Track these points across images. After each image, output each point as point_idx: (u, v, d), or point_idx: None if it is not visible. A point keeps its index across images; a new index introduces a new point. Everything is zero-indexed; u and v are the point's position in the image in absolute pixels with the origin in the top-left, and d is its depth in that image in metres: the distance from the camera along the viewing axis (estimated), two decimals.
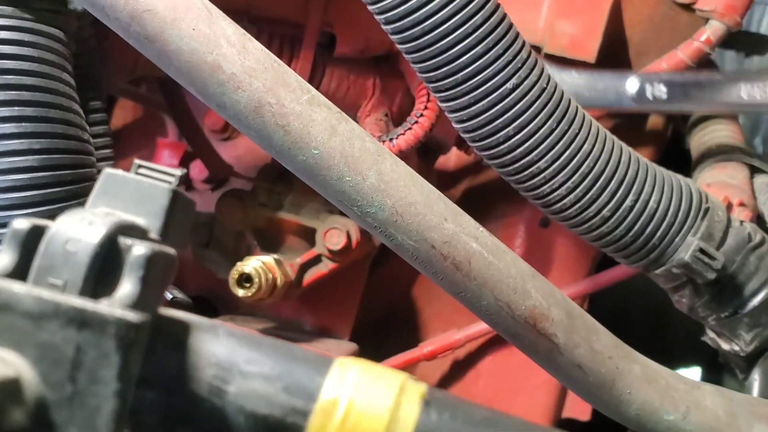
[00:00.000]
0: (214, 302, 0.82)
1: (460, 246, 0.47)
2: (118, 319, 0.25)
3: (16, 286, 0.26)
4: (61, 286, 0.27)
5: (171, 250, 0.28)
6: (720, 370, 0.99)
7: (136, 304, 0.26)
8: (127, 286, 0.26)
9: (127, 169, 0.31)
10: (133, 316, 0.26)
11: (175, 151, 0.82)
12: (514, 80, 0.55)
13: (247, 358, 0.28)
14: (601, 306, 0.74)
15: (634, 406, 0.51)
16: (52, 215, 0.33)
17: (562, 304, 0.49)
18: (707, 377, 0.63)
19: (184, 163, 0.83)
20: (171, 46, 0.45)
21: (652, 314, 1.12)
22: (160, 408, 0.27)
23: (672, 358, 0.58)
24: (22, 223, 0.28)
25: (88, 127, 0.60)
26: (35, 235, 0.28)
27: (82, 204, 0.46)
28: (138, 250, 0.27)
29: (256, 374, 0.28)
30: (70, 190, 0.55)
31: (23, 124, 0.53)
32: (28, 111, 0.53)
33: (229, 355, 0.28)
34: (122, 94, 0.87)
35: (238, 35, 0.45)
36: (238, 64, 0.45)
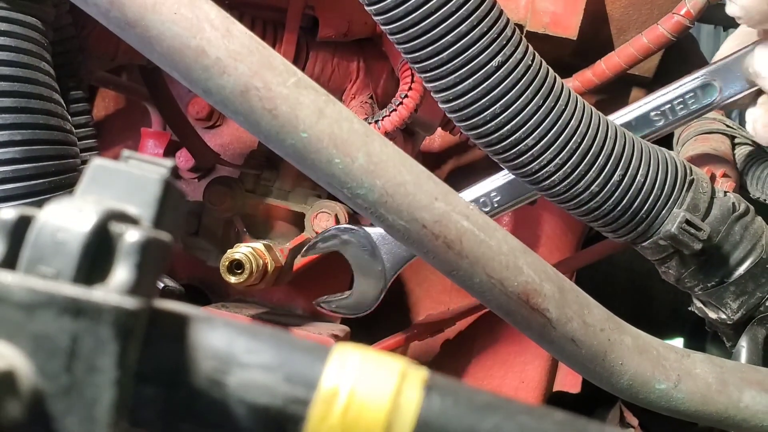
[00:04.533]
0: (204, 290, 0.82)
1: (451, 225, 0.47)
2: (115, 306, 0.25)
3: (7, 277, 0.25)
4: (53, 275, 0.26)
5: (165, 236, 0.28)
6: (702, 340, 1.01)
7: (132, 291, 0.26)
8: (122, 273, 0.26)
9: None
10: (129, 303, 0.25)
11: (159, 141, 0.81)
12: (499, 58, 0.55)
13: (245, 348, 0.27)
14: (586, 281, 0.75)
15: (626, 376, 0.51)
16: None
17: (554, 279, 0.49)
18: (689, 347, 0.64)
19: (169, 152, 0.82)
20: (152, 31, 0.44)
21: (636, 288, 1.14)
22: (159, 403, 0.27)
23: (655, 330, 0.59)
24: (8, 213, 0.27)
25: (69, 117, 0.59)
26: (23, 224, 0.27)
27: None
28: (131, 236, 0.26)
29: (255, 364, 0.27)
30: (54, 181, 0.54)
31: (3, 115, 0.52)
32: (7, 102, 0.52)
33: (228, 346, 0.27)
34: (103, 83, 0.85)
35: (221, 18, 0.45)
36: (223, 48, 0.44)
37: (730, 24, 1.05)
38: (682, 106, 0.67)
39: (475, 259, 0.47)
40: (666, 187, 0.59)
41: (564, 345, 0.50)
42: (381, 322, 0.87)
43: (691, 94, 0.66)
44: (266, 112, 0.45)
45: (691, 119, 0.67)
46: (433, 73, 0.56)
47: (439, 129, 0.84)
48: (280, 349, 0.28)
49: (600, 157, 0.57)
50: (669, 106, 0.67)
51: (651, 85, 0.89)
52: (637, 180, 0.58)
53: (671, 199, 0.60)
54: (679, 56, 0.90)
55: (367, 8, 0.55)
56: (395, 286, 0.92)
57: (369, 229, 0.68)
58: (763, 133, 0.66)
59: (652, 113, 0.67)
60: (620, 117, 0.67)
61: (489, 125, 0.56)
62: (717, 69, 0.66)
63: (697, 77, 0.66)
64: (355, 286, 0.67)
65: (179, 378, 0.27)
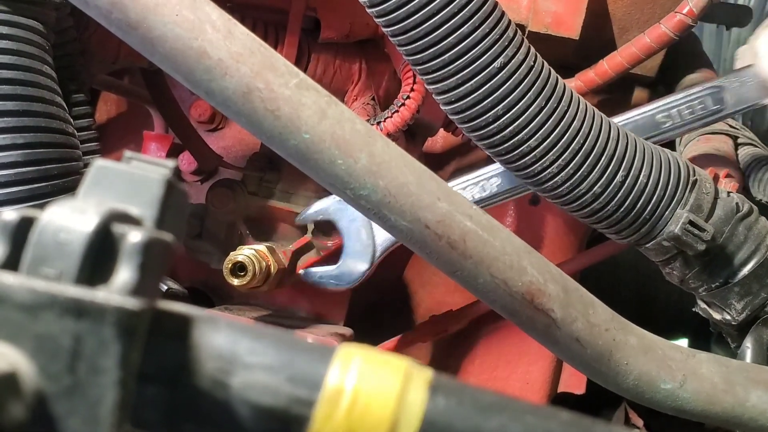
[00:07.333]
0: (208, 293, 0.82)
1: (455, 225, 0.46)
2: (117, 306, 0.25)
3: (9, 278, 0.25)
4: (55, 276, 0.26)
5: (168, 236, 0.28)
6: (707, 340, 1.01)
7: (135, 291, 0.26)
8: (125, 274, 0.26)
9: None
10: (132, 303, 0.25)
11: (162, 144, 0.81)
12: (501, 59, 0.55)
13: (249, 349, 0.27)
14: (590, 281, 0.75)
15: (632, 376, 0.51)
16: None
17: (558, 279, 0.49)
18: (694, 348, 0.64)
19: (171, 155, 0.82)
20: (154, 32, 0.44)
21: (640, 289, 1.14)
22: (162, 403, 0.27)
23: (659, 331, 0.58)
24: (10, 215, 0.27)
25: (72, 120, 0.59)
26: (25, 226, 0.27)
27: None
28: (134, 236, 0.26)
29: (259, 365, 0.27)
30: (57, 184, 0.54)
31: (5, 118, 0.52)
32: (10, 105, 0.52)
33: (231, 347, 0.27)
34: (105, 87, 0.86)
35: (223, 20, 0.45)
36: (225, 49, 0.44)
37: (733, 23, 1.05)
38: (689, 111, 0.66)
39: (479, 259, 0.47)
40: (669, 187, 0.59)
41: (569, 345, 0.49)
42: (385, 324, 0.87)
43: (700, 102, 0.66)
44: (268, 113, 0.45)
45: (697, 127, 0.67)
46: (435, 75, 0.56)
47: (441, 130, 0.84)
48: (284, 350, 0.27)
49: (602, 158, 0.57)
50: (676, 110, 0.67)
51: (653, 84, 0.89)
52: (639, 181, 0.58)
53: (674, 200, 0.59)
54: (682, 55, 0.90)
55: (368, 10, 0.55)
56: (398, 288, 0.92)
57: None
58: None
59: (659, 116, 0.67)
60: (624, 120, 0.67)
61: (491, 127, 0.56)
62: (728, 78, 0.66)
63: (708, 86, 0.66)
64: (342, 258, 0.68)
65: (182, 378, 0.27)
